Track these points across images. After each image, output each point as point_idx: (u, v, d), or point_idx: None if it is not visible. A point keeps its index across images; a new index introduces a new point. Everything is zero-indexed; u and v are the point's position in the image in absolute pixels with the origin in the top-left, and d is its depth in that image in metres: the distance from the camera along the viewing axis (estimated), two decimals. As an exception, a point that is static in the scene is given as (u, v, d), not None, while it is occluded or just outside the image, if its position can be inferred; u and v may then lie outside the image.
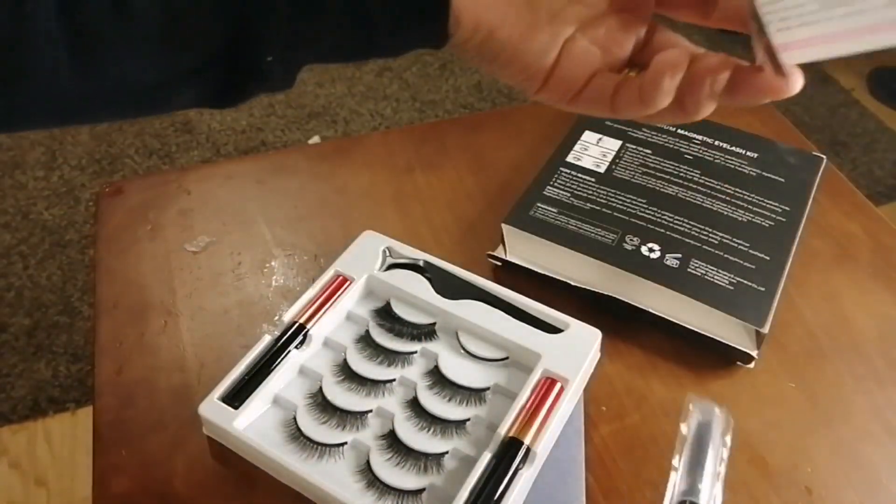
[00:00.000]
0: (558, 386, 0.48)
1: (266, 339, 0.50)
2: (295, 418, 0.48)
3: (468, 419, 0.48)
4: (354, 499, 0.44)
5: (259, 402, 0.48)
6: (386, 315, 0.54)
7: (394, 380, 0.50)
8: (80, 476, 1.28)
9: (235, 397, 0.48)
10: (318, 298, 0.53)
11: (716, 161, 0.63)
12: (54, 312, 1.52)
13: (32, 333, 1.48)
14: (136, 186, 0.69)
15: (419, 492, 0.45)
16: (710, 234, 0.57)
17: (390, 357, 0.51)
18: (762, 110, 0.74)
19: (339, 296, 0.53)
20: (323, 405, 0.49)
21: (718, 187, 0.61)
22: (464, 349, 0.52)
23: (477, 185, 0.68)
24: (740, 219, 0.58)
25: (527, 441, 0.45)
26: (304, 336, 0.51)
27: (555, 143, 0.66)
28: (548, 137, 0.68)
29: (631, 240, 0.56)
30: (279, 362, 0.50)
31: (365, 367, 0.51)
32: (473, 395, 0.49)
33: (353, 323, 0.54)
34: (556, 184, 0.60)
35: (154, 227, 0.65)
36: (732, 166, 0.63)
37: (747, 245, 0.56)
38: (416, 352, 0.52)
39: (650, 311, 0.54)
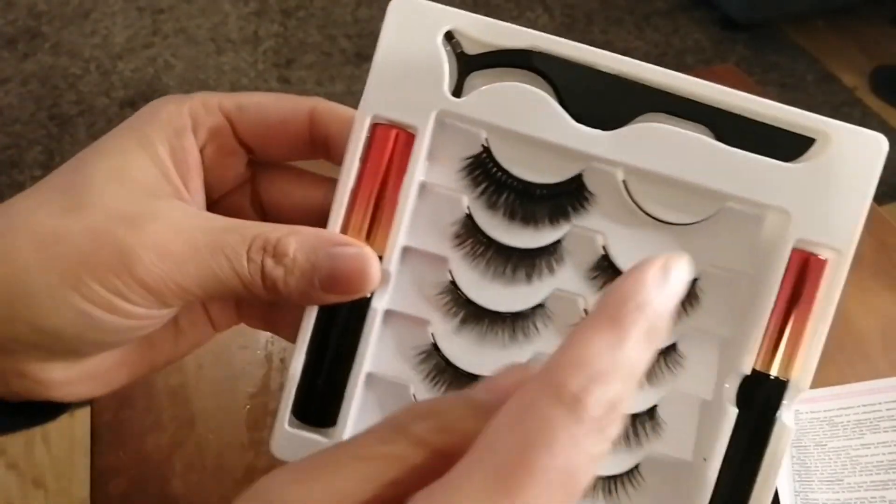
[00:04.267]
0: (823, 264, 0.28)
1: (312, 308, 0.28)
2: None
3: (675, 342, 0.29)
4: None
5: (355, 407, 0.29)
6: (490, 179, 0.29)
7: (541, 304, 0.29)
8: (78, 477, 1.28)
9: (316, 412, 0.29)
10: (364, 193, 0.28)
11: (718, 160, 0.62)
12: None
13: (31, 333, 1.48)
14: (135, 185, 0.68)
15: (630, 473, 0.30)
16: (712, 234, 0.55)
17: (523, 260, 0.29)
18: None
19: (395, 172, 0.28)
20: (446, 371, 0.30)
21: (720, 187, 0.60)
22: (643, 211, 0.29)
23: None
24: (742, 218, 0.57)
25: (789, 374, 0.28)
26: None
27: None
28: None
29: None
30: (360, 329, 0.29)
31: (488, 292, 0.29)
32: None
33: (435, 209, 0.29)
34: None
35: (152, 226, 0.64)
36: (734, 165, 0.62)
37: (750, 245, 0.55)
38: (560, 240, 0.29)
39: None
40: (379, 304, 0.29)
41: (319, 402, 0.28)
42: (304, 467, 0.20)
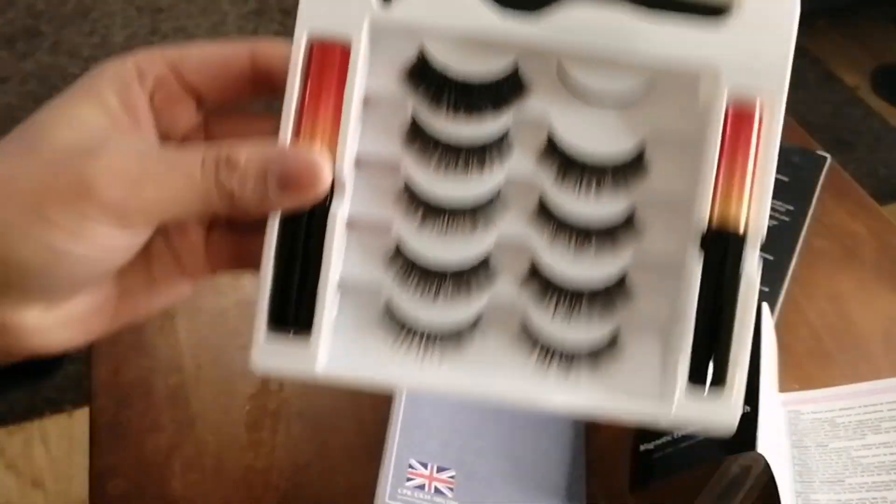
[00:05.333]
0: (756, 111, 0.29)
1: (276, 215, 0.29)
2: (390, 309, 0.30)
3: (635, 206, 0.30)
4: (540, 391, 0.30)
5: (329, 312, 0.29)
6: (430, 81, 0.30)
7: (496, 192, 0.30)
8: (76, 477, 1.28)
9: (290, 319, 0.29)
10: (311, 106, 0.29)
11: (719, 160, 0.62)
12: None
13: (30, 333, 1.48)
14: (134, 185, 0.68)
15: (612, 343, 0.30)
16: (714, 234, 0.56)
17: (473, 153, 0.30)
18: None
19: (336, 85, 0.29)
20: (416, 270, 0.30)
21: (721, 186, 0.60)
22: (580, 92, 0.30)
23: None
24: (743, 218, 0.57)
25: (744, 225, 0.29)
26: (333, 183, 0.29)
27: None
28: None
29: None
30: (322, 234, 0.29)
31: (443, 187, 0.30)
32: (626, 167, 0.30)
33: (382, 119, 0.31)
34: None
35: (151, 226, 0.64)
36: (735, 165, 0.62)
37: (751, 245, 0.55)
38: (507, 130, 0.30)
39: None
40: (339, 211, 0.29)
41: (292, 310, 0.29)
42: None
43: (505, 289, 0.30)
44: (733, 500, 0.46)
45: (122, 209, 0.26)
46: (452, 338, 0.30)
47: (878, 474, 0.45)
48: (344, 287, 0.30)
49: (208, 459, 0.48)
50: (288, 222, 0.29)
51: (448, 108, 0.30)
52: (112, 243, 0.27)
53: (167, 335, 0.56)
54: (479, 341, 0.30)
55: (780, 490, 0.43)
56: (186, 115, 0.32)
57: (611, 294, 0.30)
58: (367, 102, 0.30)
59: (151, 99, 0.30)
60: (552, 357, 0.30)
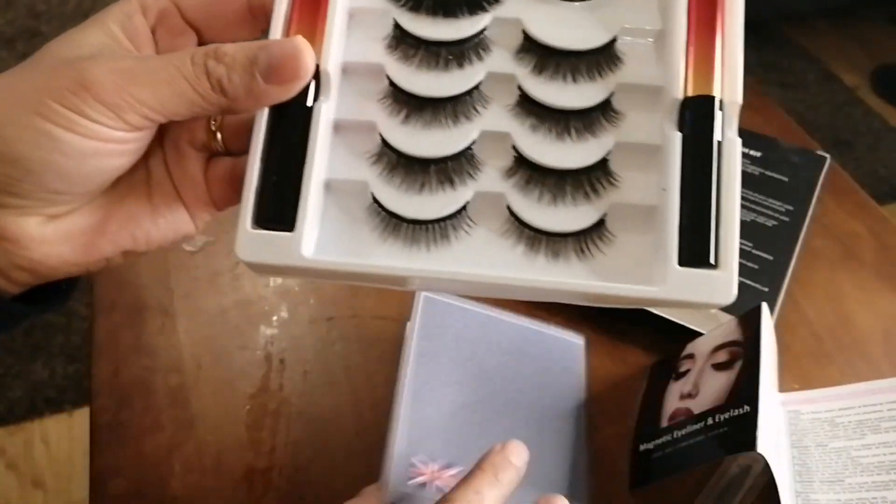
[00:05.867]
0: None
1: (264, 113, 0.30)
2: (376, 201, 0.31)
3: (611, 94, 0.31)
4: (529, 272, 0.30)
5: (314, 205, 0.30)
6: None
7: (477, 85, 0.32)
8: (77, 477, 1.28)
9: (276, 212, 0.30)
10: (298, 16, 0.31)
11: (718, 160, 0.63)
12: (51, 312, 1.51)
13: (29, 333, 1.48)
14: (134, 185, 0.68)
15: (599, 224, 0.30)
16: (713, 234, 0.56)
17: (453, 52, 0.32)
18: (765, 109, 0.74)
19: None
20: (402, 165, 0.31)
21: (721, 186, 0.60)
22: None
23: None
24: (743, 218, 0.58)
25: (719, 91, 0.30)
26: (317, 77, 0.31)
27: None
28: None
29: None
30: (309, 131, 0.30)
31: (425, 82, 0.32)
32: (599, 57, 0.32)
33: (366, 28, 0.33)
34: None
35: (151, 226, 0.64)
36: (735, 165, 0.62)
37: (750, 245, 0.55)
38: (483, 30, 0.32)
39: (652, 311, 0.54)
40: (324, 108, 0.31)
41: (278, 203, 0.30)
42: None
43: (489, 180, 0.31)
44: (733, 500, 0.46)
45: (116, 101, 0.27)
46: (439, 229, 0.30)
47: (878, 474, 0.45)
48: (331, 187, 0.31)
49: (208, 459, 0.48)
50: (275, 118, 0.30)
51: (428, 12, 0.33)
52: (109, 136, 0.28)
53: (167, 335, 0.56)
54: (466, 232, 0.31)
55: (779, 490, 0.43)
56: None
57: (595, 179, 0.31)
58: (351, 16, 0.32)
59: (154, 32, 0.32)
60: (540, 244, 0.30)
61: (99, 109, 0.27)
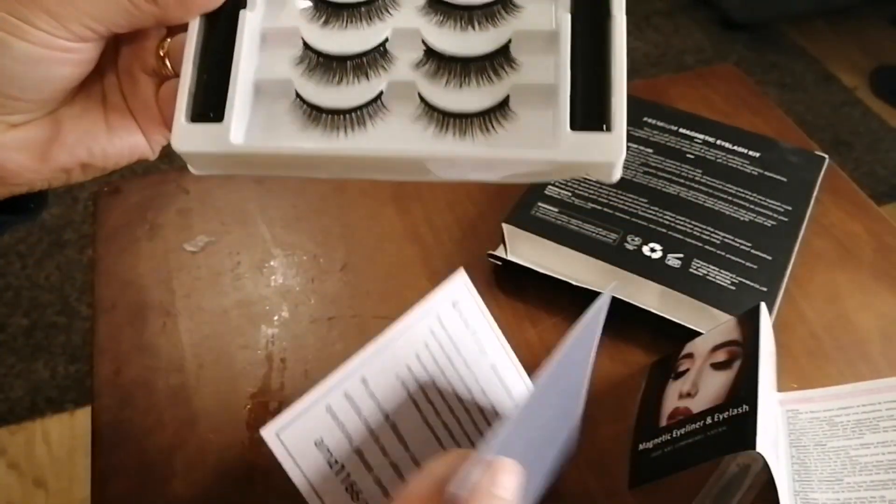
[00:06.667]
0: None
1: (196, 22, 0.34)
2: (300, 97, 0.34)
3: None
4: (437, 147, 0.32)
5: (241, 101, 0.33)
6: None
7: None
8: (78, 477, 1.28)
9: (207, 107, 0.33)
10: None
11: (718, 160, 0.63)
12: (52, 312, 1.52)
13: (30, 333, 1.48)
14: (135, 186, 0.68)
15: (503, 105, 0.33)
16: (712, 234, 0.56)
17: None
18: (764, 109, 0.74)
19: None
20: (322, 64, 0.34)
21: (720, 187, 0.60)
22: None
23: (478, 184, 0.68)
24: (742, 218, 0.58)
25: None
26: None
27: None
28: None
29: (632, 240, 0.56)
30: (236, 37, 0.34)
31: None
32: None
33: None
34: (557, 183, 0.60)
35: (152, 226, 0.64)
36: (734, 165, 0.63)
37: (749, 245, 0.56)
38: None
39: (652, 311, 0.54)
40: (252, 16, 0.34)
41: (207, 99, 0.33)
42: None
43: (401, 71, 0.34)
44: (732, 499, 0.46)
45: (60, 10, 0.30)
46: (356, 117, 0.33)
47: (877, 473, 0.45)
48: (259, 88, 0.34)
49: (210, 459, 0.49)
50: (206, 29, 0.34)
51: None
52: (54, 44, 0.31)
53: (169, 335, 0.56)
54: (381, 119, 0.33)
55: (778, 489, 0.43)
56: None
57: (497, 65, 0.33)
58: None
59: None
60: (448, 125, 0.32)
61: (44, 19, 0.30)
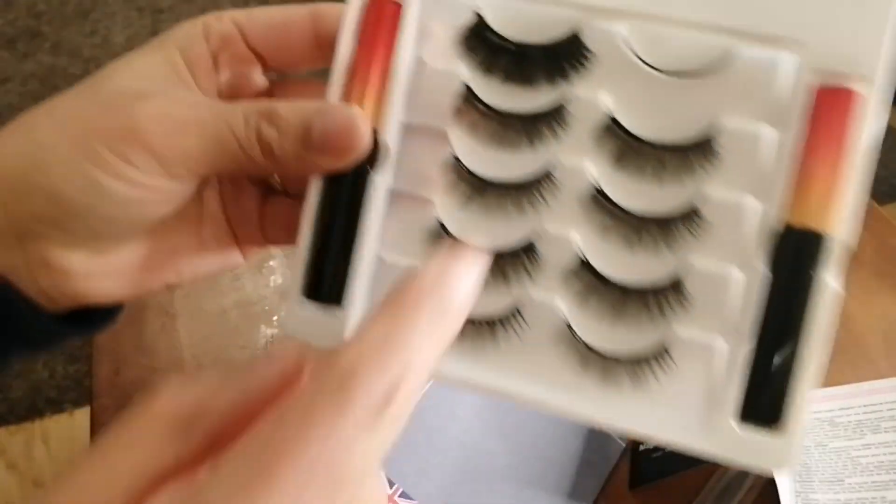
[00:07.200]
0: (850, 95, 0.25)
1: (316, 181, 0.28)
2: None
3: (699, 199, 0.26)
4: (576, 399, 0.27)
5: (364, 283, 0.29)
6: (485, 46, 0.28)
7: (547, 174, 0.28)
8: (78, 477, 1.28)
9: (325, 285, 0.28)
10: (360, 67, 0.28)
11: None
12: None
13: (31, 333, 1.48)
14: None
15: (661, 350, 0.27)
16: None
17: (525, 126, 0.28)
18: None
19: (386, 46, 0.28)
20: None
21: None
22: (647, 64, 0.27)
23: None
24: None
25: (825, 226, 0.25)
26: (375, 145, 0.28)
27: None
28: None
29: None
30: (363, 205, 0.28)
31: (490, 162, 0.28)
32: (692, 153, 0.27)
33: (433, 85, 0.29)
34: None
35: (152, 226, 0.64)
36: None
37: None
38: (562, 104, 0.28)
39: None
40: (381, 180, 0.28)
41: (326, 280, 0.28)
42: (57, 479, 0.20)
43: (547, 282, 0.27)
44: (732, 500, 0.46)
45: (163, 154, 0.27)
46: (486, 327, 0.28)
47: (878, 474, 0.45)
48: (382, 262, 0.29)
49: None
50: (329, 187, 0.28)
51: (502, 77, 0.28)
52: (155, 186, 0.27)
53: (168, 335, 0.56)
54: (515, 334, 0.28)
55: (779, 489, 0.43)
56: (251, 79, 0.32)
57: (663, 299, 0.27)
58: (420, 71, 0.29)
59: (216, 59, 0.30)
60: (593, 362, 0.27)
61: (146, 159, 0.26)
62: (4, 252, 0.28)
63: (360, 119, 0.27)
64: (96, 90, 0.28)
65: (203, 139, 0.27)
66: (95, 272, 0.29)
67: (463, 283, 0.21)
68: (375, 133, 0.28)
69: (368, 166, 0.28)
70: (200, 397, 0.21)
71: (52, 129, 0.27)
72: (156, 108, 0.27)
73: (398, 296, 0.20)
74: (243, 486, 0.17)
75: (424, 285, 0.20)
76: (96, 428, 0.50)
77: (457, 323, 0.21)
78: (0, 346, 0.31)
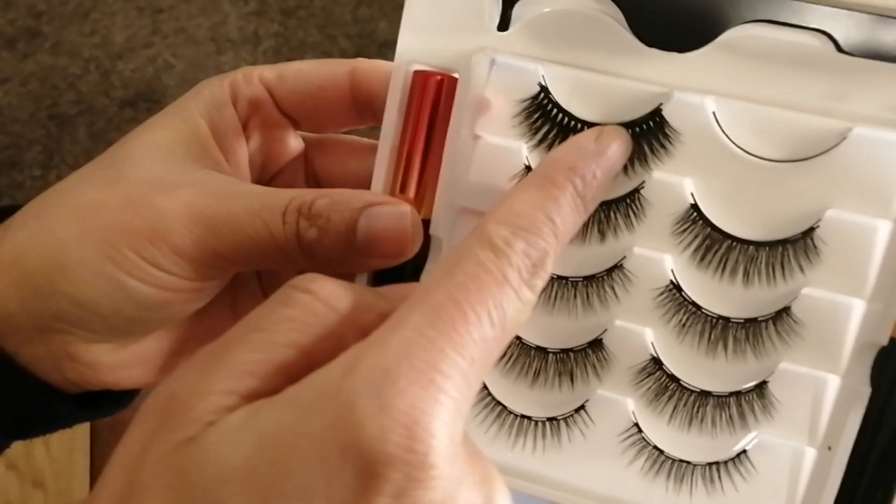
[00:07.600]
0: None
1: (362, 278, 0.27)
2: (485, 385, 0.27)
3: (793, 300, 0.24)
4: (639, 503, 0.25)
5: None
6: (551, 123, 0.25)
7: (618, 265, 0.25)
8: (77, 478, 1.27)
9: None
10: (407, 149, 0.26)
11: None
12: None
13: (30, 333, 1.48)
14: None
15: (736, 460, 0.25)
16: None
17: (595, 215, 0.25)
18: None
19: (439, 124, 0.26)
20: (515, 346, 0.27)
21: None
22: (741, 148, 0.24)
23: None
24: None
25: None
26: (427, 242, 0.27)
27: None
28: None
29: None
30: None
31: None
32: (787, 249, 0.24)
33: (492, 164, 0.26)
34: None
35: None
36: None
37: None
38: (638, 188, 0.25)
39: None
40: (432, 268, 0.26)
41: None
42: (202, 355, 0.20)
43: (617, 381, 0.26)
44: (733, 500, 0.46)
45: (195, 256, 0.25)
46: (551, 427, 0.26)
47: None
48: None
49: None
50: (377, 279, 0.26)
51: None
52: (183, 286, 0.26)
53: (168, 335, 0.56)
54: (581, 433, 0.26)
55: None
56: (284, 143, 0.30)
57: (745, 403, 0.25)
58: (474, 143, 0.26)
59: (245, 125, 0.29)
60: (664, 466, 0.25)
61: (174, 260, 0.25)
62: (27, 345, 0.27)
63: (410, 219, 0.25)
64: (115, 175, 0.26)
65: (237, 238, 0.25)
66: (124, 363, 0.28)
67: (604, 164, 0.22)
68: (427, 225, 0.26)
69: (417, 261, 0.26)
70: (361, 293, 0.21)
71: (72, 224, 0.25)
72: (183, 203, 0.25)
73: (547, 170, 0.21)
74: (426, 333, 0.18)
75: (572, 163, 0.21)
76: (96, 429, 0.50)
77: (593, 204, 0.22)
78: (16, 431, 0.30)
